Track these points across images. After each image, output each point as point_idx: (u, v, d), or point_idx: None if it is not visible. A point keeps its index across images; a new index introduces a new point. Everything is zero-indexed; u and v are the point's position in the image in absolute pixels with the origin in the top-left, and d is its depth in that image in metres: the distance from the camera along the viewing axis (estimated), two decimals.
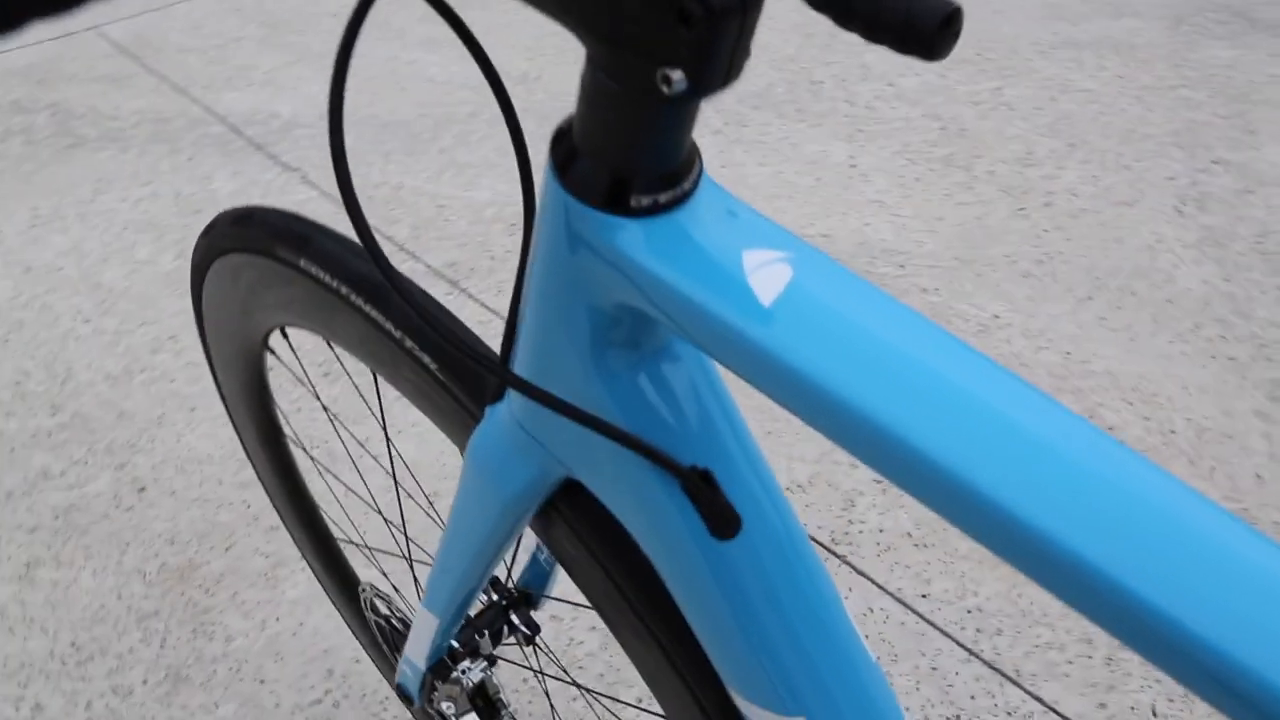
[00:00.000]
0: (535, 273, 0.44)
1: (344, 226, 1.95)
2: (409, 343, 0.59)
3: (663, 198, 0.39)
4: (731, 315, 0.36)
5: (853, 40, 2.52)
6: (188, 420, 1.51)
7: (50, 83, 2.45)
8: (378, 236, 1.89)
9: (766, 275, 0.37)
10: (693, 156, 0.40)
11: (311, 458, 0.89)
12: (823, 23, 2.59)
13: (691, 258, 0.38)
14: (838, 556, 1.33)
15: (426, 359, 0.58)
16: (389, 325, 0.60)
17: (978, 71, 2.39)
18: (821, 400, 0.35)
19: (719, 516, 0.45)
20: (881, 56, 2.46)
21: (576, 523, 0.55)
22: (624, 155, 0.38)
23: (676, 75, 0.34)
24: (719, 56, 0.34)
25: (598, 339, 0.43)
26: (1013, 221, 1.93)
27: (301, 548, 1.08)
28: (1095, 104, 2.27)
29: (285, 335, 0.81)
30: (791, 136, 2.18)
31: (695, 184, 0.40)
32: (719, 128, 2.21)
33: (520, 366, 0.48)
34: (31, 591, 1.28)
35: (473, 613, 0.79)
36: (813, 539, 1.35)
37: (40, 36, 2.62)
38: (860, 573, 1.32)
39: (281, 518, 1.07)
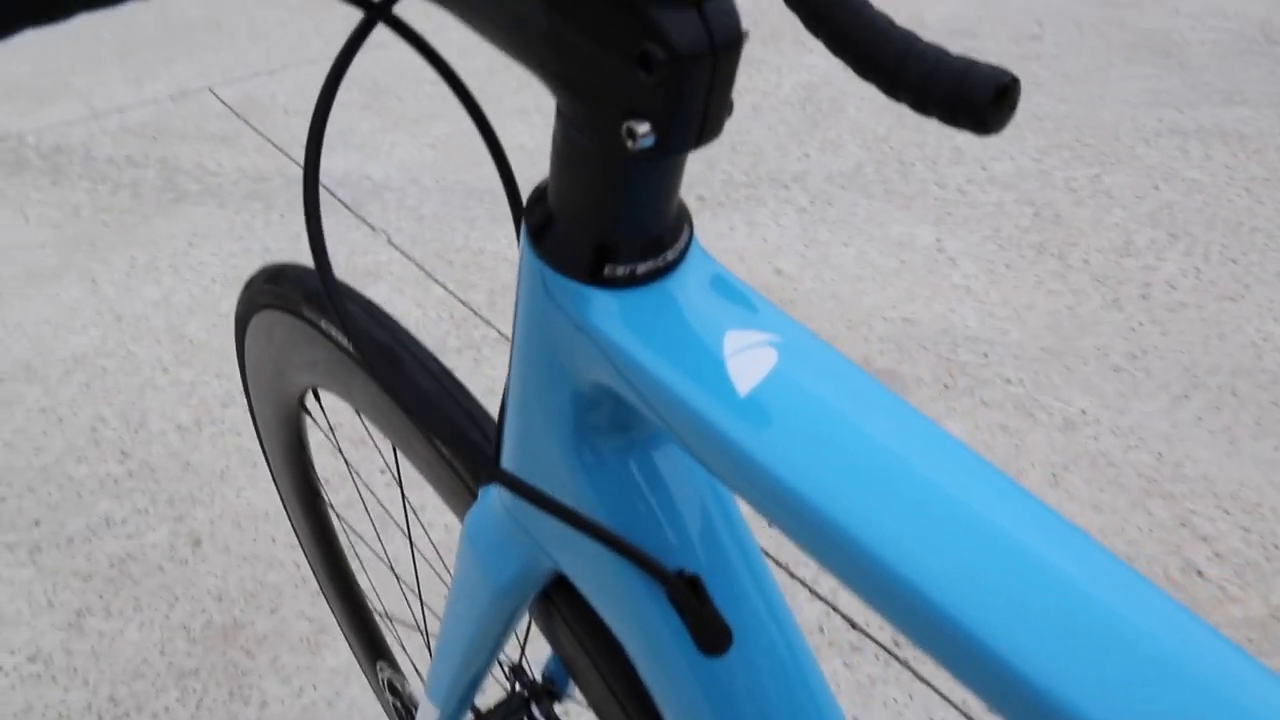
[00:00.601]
0: (516, 347, 0.41)
1: (424, 294, 1.94)
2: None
3: (641, 268, 0.35)
4: (700, 401, 0.32)
5: None
6: (249, 476, 1.52)
7: (162, 139, 2.55)
8: (455, 300, 1.90)
9: (748, 360, 0.33)
10: (680, 224, 0.36)
11: (342, 521, 0.87)
12: None
13: (666, 335, 0.34)
14: (899, 661, 1.26)
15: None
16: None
17: (1075, 158, 2.32)
18: (792, 505, 0.31)
19: (707, 629, 0.40)
20: (974, 139, 2.40)
21: (572, 620, 0.52)
22: (597, 220, 0.35)
23: (642, 129, 0.30)
24: (689, 109, 0.30)
25: (580, 423, 0.40)
26: (1106, 313, 1.85)
27: (337, 616, 1.06)
28: (1200, 194, 2.18)
29: (318, 398, 0.80)
30: (878, 217, 2.14)
31: (682, 254, 0.36)
32: (804, 206, 2.18)
33: (506, 450, 0.45)
34: (79, 640, 1.29)
35: (491, 703, 0.75)
36: (873, 640, 1.28)
37: (158, 96, 2.74)
38: (922, 679, 1.24)
39: (319, 583, 1.05)
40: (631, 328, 0.35)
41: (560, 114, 0.34)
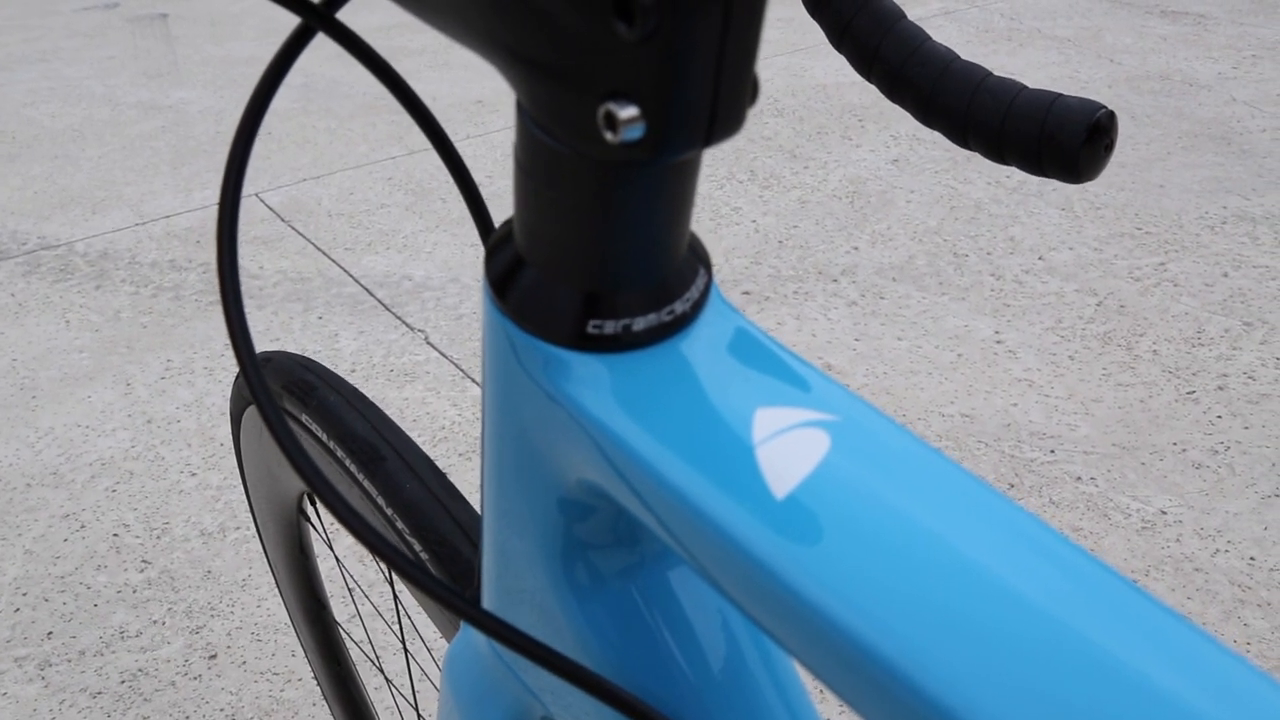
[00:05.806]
0: (486, 440, 0.32)
1: (460, 394, 1.87)
2: (400, 523, 0.48)
3: (639, 324, 0.27)
4: (718, 507, 0.23)
5: (1000, 212, 2.40)
6: (271, 584, 1.44)
7: (206, 244, 2.56)
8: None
9: (787, 448, 0.24)
10: (693, 266, 0.28)
11: (352, 640, 0.78)
12: (968, 194, 2.48)
13: (672, 414, 0.25)
14: None
15: (417, 545, 0.48)
16: (381, 500, 0.50)
17: (1137, 245, 2.23)
18: (857, 664, 0.21)
19: None
20: (1030, 229, 2.32)
21: None
22: (576, 258, 0.26)
23: (626, 113, 0.21)
24: (691, 82, 0.21)
25: (570, 538, 0.31)
26: (1181, 406, 1.73)
27: None
28: (1275, 280, 2.07)
29: (313, 503, 0.72)
30: (932, 310, 2.06)
31: (695, 306, 0.27)
32: (854, 299, 2.11)
33: (485, 577, 0.36)
34: None
35: None
36: None
37: (205, 203, 2.76)
38: None
39: (326, 701, 0.96)
40: (625, 404, 0.26)
41: (520, 109, 0.25)
